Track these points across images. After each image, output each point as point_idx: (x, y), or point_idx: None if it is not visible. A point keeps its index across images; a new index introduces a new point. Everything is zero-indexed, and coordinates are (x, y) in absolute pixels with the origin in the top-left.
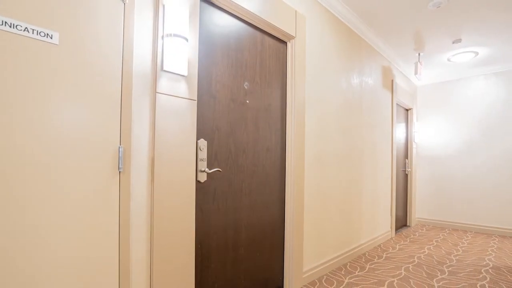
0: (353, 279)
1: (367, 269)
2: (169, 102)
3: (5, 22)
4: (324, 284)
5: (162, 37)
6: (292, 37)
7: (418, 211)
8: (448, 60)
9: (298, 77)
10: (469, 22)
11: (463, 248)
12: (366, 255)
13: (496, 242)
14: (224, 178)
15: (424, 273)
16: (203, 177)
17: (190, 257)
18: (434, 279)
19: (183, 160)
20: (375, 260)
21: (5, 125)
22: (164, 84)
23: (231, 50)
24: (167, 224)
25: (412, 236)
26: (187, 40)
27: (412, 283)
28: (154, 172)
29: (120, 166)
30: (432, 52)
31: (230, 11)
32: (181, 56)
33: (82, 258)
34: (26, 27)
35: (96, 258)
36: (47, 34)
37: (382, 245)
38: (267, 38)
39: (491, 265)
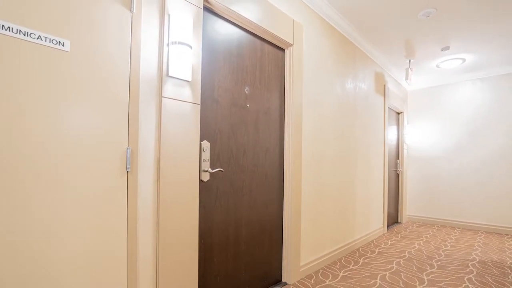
0: (347, 273)
1: (360, 263)
2: (174, 106)
3: (20, 31)
4: (320, 277)
5: (168, 44)
6: (290, 45)
7: (409, 209)
8: (437, 66)
9: (296, 82)
10: (457, 30)
11: (451, 244)
12: (360, 250)
13: (482, 238)
14: (226, 177)
15: (414, 267)
16: (206, 177)
17: (194, 251)
18: (424, 273)
19: (187, 160)
20: (368, 255)
21: (20, 127)
22: (169, 88)
23: (232, 57)
24: (172, 221)
25: (403, 232)
26: (191, 47)
27: (403, 277)
28: (160, 171)
29: (128, 166)
30: (422, 59)
31: (231, 20)
32: (185, 63)
33: (92, 252)
34: (39, 35)
35: (105, 252)
36: (59, 41)
37: (374, 240)
38: (266, 46)
39: (477, 260)
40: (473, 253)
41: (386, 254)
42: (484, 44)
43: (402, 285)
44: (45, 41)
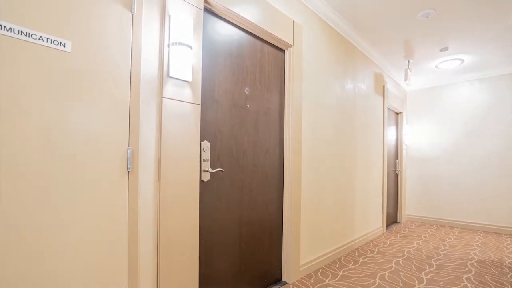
0: (346, 272)
1: (360, 262)
2: (175, 106)
3: (21, 31)
4: (320, 276)
5: (168, 45)
6: (290, 45)
7: (407, 209)
8: (436, 67)
9: (296, 82)
10: (456, 31)
11: (450, 243)
12: (359, 249)
13: (481, 238)
14: (226, 177)
15: (413, 266)
16: (206, 177)
17: (194, 251)
18: (423, 272)
19: (187, 160)
20: (368, 254)
21: (21, 128)
22: (170, 89)
23: (232, 57)
24: (173, 221)
25: (402, 232)
26: (191, 48)
27: (402, 276)
28: (160, 171)
29: (128, 166)
30: (421, 60)
31: (231, 21)
32: (186, 63)
33: (92, 252)
34: (40, 36)
35: (106, 252)
36: (60, 42)
37: (374, 240)
38: (266, 46)
39: (476, 259)
40: (471, 253)
41: (385, 254)
42: (482, 44)
43: (401, 285)
44: (46, 42)
